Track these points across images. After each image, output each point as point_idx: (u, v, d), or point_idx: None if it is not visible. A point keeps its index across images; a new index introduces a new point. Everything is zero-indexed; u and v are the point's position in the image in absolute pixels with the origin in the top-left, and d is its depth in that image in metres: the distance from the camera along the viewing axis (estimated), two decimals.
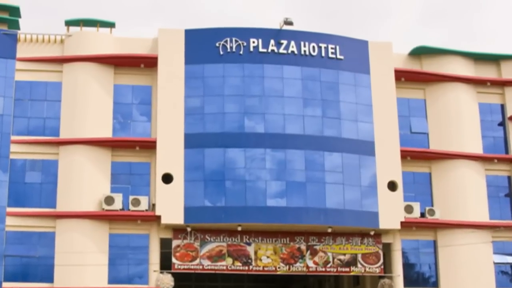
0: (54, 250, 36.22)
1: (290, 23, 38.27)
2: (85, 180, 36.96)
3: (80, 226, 36.35)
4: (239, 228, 37.01)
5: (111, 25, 39.48)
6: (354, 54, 39.67)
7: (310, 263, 37.75)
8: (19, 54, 38.50)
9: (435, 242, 39.37)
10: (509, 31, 79.97)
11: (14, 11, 39.00)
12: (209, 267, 37.10)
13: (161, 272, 36.57)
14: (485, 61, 42.45)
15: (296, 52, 38.83)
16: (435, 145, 40.45)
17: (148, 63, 38.81)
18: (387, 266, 38.71)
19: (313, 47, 39.06)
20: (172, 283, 36.32)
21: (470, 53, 42.19)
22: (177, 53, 38.38)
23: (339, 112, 38.59)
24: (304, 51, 38.90)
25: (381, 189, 38.07)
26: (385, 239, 38.61)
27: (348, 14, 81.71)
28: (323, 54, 39.13)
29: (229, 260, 37.24)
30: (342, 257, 38.10)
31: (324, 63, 39.02)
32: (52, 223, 36.70)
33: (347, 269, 38.13)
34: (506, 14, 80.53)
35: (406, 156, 39.48)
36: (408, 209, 38.18)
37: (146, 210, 36.72)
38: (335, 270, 38.05)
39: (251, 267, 37.40)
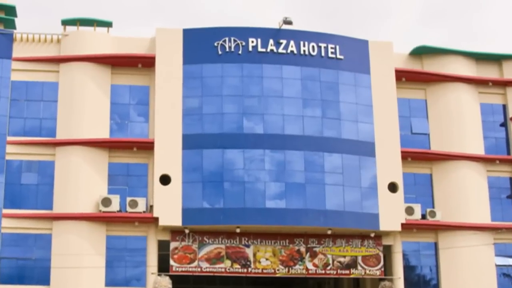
0: (51, 252, 36.10)
1: (290, 23, 38.11)
2: (82, 182, 36.79)
3: (77, 228, 36.19)
4: (238, 230, 36.80)
5: (108, 24, 39.33)
6: (354, 54, 39.49)
7: (310, 266, 37.59)
8: (15, 54, 38.34)
9: (436, 244, 39.21)
10: (510, 31, 79.80)
11: (10, 10, 38.80)
12: (208, 270, 36.90)
13: (158, 275, 36.38)
14: (487, 61, 42.33)
15: (295, 52, 38.62)
16: (436, 146, 40.27)
17: (146, 63, 38.64)
18: (387, 269, 38.57)
19: (313, 46, 38.84)
20: (170, 286, 36.11)
21: (471, 53, 42.03)
22: (175, 53, 38.21)
23: (339, 113, 38.39)
24: (304, 50, 38.69)
25: (382, 190, 37.87)
26: (386, 241, 38.48)
27: (348, 14, 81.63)
28: (322, 54, 38.92)
29: (228, 263, 37.08)
30: (342, 259, 37.94)
31: (323, 63, 38.82)
32: (49, 225, 36.56)
33: (347, 272, 37.96)
34: (506, 14, 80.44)
35: (407, 157, 39.30)
36: (409, 211, 38.04)
37: (144, 212, 36.59)
38: (335, 272, 37.87)
39: (250, 269, 37.23)
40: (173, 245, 36.77)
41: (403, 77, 40.47)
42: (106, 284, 36.12)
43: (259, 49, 38.39)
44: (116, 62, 38.60)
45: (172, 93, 37.68)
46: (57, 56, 38.52)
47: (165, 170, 36.68)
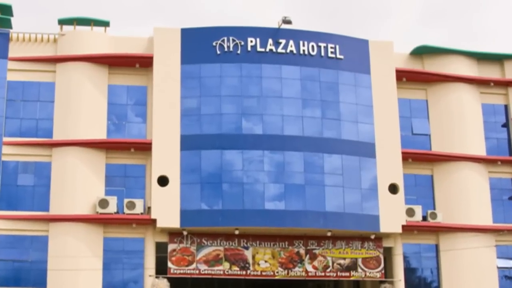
0: (47, 254, 35.90)
1: (289, 22, 37.90)
2: (79, 183, 36.59)
3: (74, 229, 36.00)
4: (237, 232, 36.61)
5: (105, 24, 39.13)
6: (354, 53, 39.29)
7: (309, 268, 37.38)
8: (11, 54, 38.13)
9: (437, 246, 39.04)
10: (510, 31, 79.57)
11: (6, 9, 38.55)
12: (206, 272, 36.71)
13: (156, 277, 36.20)
14: (488, 61, 42.17)
15: (295, 51, 38.40)
16: (437, 147, 40.08)
17: (144, 62, 38.44)
18: (388, 271, 38.42)
19: (312, 46, 38.61)
20: None
21: (473, 53, 41.86)
22: (173, 52, 37.98)
23: (339, 113, 38.18)
24: (303, 50, 38.46)
25: (382, 191, 37.65)
26: (386, 243, 38.31)
27: (348, 14, 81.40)
28: (322, 53, 38.70)
29: (226, 265, 36.87)
30: (342, 261, 37.73)
31: (323, 63, 38.59)
32: (45, 227, 36.38)
33: (347, 274, 37.76)
34: (507, 14, 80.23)
35: (408, 158, 39.09)
36: (410, 212, 37.87)
37: (141, 214, 36.42)
38: (334, 274, 37.70)
39: (248, 271, 37.03)
40: (171, 247, 36.57)
41: (404, 77, 40.26)
42: (103, 287, 35.91)
43: (258, 49, 38.15)
44: (113, 62, 38.38)
45: (170, 94, 37.44)
46: (54, 56, 38.31)
47: (163, 171, 36.44)
